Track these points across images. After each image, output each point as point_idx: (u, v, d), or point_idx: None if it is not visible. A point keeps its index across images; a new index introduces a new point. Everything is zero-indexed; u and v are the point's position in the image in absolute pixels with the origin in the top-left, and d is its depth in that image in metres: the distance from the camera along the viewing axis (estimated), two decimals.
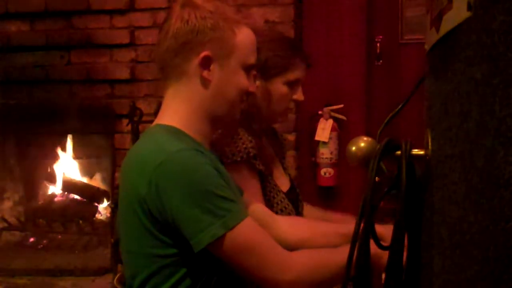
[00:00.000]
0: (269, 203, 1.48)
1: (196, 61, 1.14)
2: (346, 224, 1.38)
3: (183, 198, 1.02)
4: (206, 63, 1.14)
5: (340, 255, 1.13)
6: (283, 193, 1.55)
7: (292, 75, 1.50)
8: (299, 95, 1.54)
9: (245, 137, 1.40)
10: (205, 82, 1.15)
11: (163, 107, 1.20)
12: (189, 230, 1.03)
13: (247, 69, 1.18)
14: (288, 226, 1.31)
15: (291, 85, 1.51)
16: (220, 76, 1.15)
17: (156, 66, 1.21)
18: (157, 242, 1.07)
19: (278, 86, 1.49)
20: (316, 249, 1.22)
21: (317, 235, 1.36)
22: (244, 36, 1.17)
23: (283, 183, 1.61)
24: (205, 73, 1.14)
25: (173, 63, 1.16)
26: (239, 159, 1.37)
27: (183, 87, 1.16)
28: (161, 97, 1.22)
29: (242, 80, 1.18)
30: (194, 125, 1.16)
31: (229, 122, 1.24)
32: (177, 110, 1.17)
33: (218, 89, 1.16)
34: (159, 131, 1.15)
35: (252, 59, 1.19)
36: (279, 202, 1.50)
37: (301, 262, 1.09)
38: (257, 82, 1.32)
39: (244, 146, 1.38)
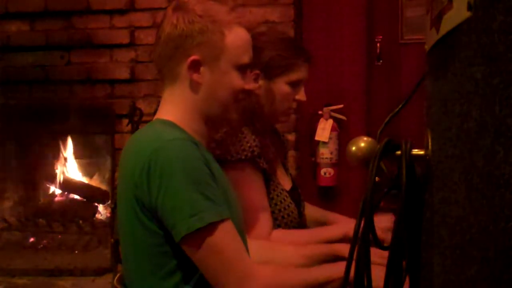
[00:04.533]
0: (272, 202, 1.49)
1: (186, 65, 1.15)
2: (311, 246, 1.40)
3: (168, 185, 1.04)
4: (195, 66, 1.16)
5: (307, 275, 1.15)
6: (286, 191, 1.56)
7: (295, 75, 1.51)
8: (301, 95, 1.55)
9: (249, 136, 1.41)
10: (196, 85, 1.17)
11: (161, 106, 1.23)
12: (170, 219, 1.04)
13: (241, 68, 1.19)
14: (252, 250, 1.31)
15: (294, 85, 1.52)
16: (211, 78, 1.17)
17: (155, 68, 1.23)
18: (145, 230, 1.08)
19: (281, 86, 1.50)
20: (285, 266, 1.22)
21: (279, 258, 1.36)
22: (235, 37, 1.17)
23: (285, 183, 1.62)
24: (195, 76, 1.16)
25: (167, 66, 1.19)
26: (243, 157, 1.38)
27: (177, 89, 1.19)
28: (161, 97, 1.24)
29: (235, 81, 1.18)
30: (190, 124, 1.19)
31: (224, 121, 1.25)
32: (173, 109, 1.19)
33: (210, 91, 1.17)
34: (158, 123, 1.18)
35: (245, 59, 1.20)
36: (282, 201, 1.51)
37: (266, 276, 1.10)
38: (260, 82, 1.33)
39: (249, 144, 1.39)
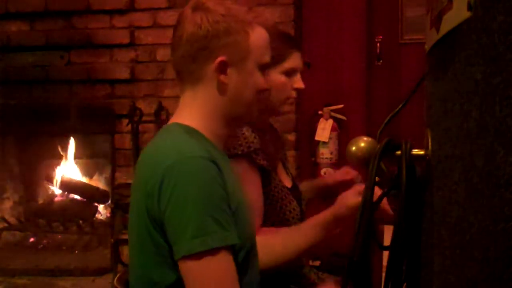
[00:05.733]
0: (274, 198, 1.49)
1: (212, 67, 1.13)
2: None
3: (178, 203, 1.01)
4: (222, 68, 1.13)
5: None
6: (287, 189, 1.56)
7: (288, 64, 1.52)
8: (298, 84, 1.56)
9: (248, 132, 1.41)
10: (222, 87, 1.14)
11: (180, 108, 1.19)
12: (173, 237, 1.02)
13: (262, 68, 1.18)
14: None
15: (289, 74, 1.53)
16: (237, 79, 1.14)
17: (173, 69, 1.20)
18: (152, 240, 1.06)
19: (276, 77, 1.51)
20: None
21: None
22: (257, 36, 1.16)
23: (286, 181, 1.62)
24: (222, 77, 1.13)
25: (189, 68, 1.15)
26: (239, 152, 1.38)
27: (200, 91, 1.15)
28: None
29: (259, 80, 1.17)
30: (211, 127, 1.16)
31: (247, 121, 1.24)
32: (195, 112, 1.16)
33: (236, 92, 1.15)
34: (177, 129, 1.15)
35: (266, 58, 1.19)
36: (284, 198, 1.51)
37: None
38: None
39: (246, 140, 1.40)
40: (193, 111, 1.16)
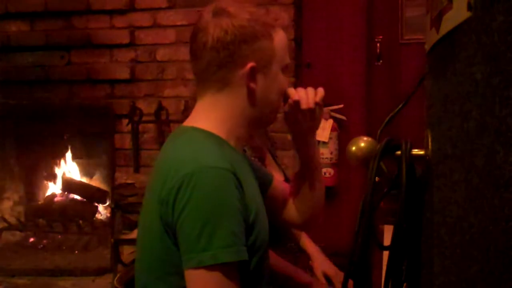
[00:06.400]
0: None
1: (241, 73, 1.10)
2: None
3: (193, 212, 0.99)
4: (252, 74, 1.11)
5: None
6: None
7: None
8: None
9: None
10: (251, 92, 1.12)
11: (198, 111, 1.17)
12: (184, 246, 1.01)
13: (284, 69, 1.18)
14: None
15: None
16: (264, 83, 1.13)
17: (194, 76, 1.17)
18: (163, 245, 1.04)
19: None
20: None
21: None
22: (279, 38, 1.15)
23: (277, 175, 1.62)
24: (251, 84, 1.11)
25: (215, 75, 1.12)
26: None
27: (225, 96, 1.13)
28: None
29: (283, 82, 1.17)
30: (233, 131, 1.14)
31: (269, 123, 1.24)
32: (214, 117, 1.14)
33: (263, 97, 1.14)
34: (197, 135, 1.12)
35: (288, 59, 1.18)
36: None
37: None
38: None
39: None
40: (212, 116, 1.14)
